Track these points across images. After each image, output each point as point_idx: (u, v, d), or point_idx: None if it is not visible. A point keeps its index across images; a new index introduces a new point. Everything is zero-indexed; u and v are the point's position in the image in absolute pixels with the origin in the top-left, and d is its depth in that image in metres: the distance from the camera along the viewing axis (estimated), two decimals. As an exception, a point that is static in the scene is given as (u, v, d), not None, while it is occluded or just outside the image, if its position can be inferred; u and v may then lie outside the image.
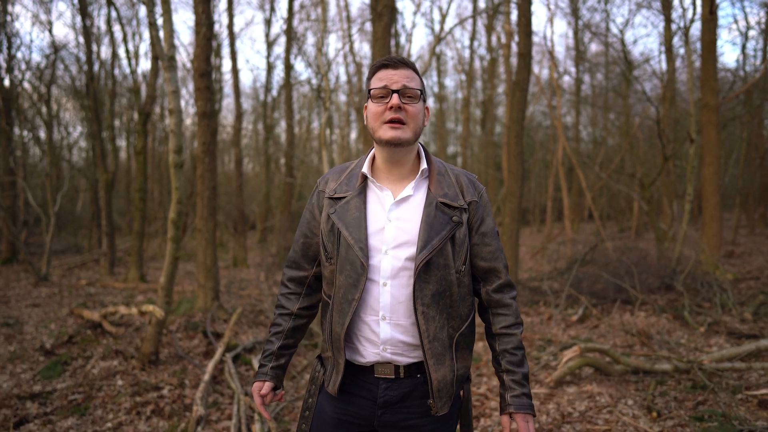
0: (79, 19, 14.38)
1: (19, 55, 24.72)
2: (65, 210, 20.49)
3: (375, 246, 1.41)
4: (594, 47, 27.56)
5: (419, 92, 1.41)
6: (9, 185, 13.11)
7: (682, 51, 13.54)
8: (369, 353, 1.45)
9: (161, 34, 4.06)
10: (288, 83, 13.66)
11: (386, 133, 1.38)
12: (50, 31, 15.80)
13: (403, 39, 16.08)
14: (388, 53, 5.69)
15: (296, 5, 14.25)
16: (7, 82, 13.97)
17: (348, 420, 1.50)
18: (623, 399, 3.87)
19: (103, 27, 18.69)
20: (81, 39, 15.56)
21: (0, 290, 9.82)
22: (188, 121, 21.03)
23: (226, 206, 19.07)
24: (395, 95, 1.37)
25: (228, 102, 37.44)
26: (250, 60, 41.28)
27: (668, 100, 12.90)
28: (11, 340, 6.15)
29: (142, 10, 18.40)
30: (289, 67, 13.46)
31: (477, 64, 22.18)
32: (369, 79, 1.47)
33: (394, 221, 1.42)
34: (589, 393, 4.02)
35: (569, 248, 11.69)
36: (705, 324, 5.68)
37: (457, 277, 1.42)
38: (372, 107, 1.42)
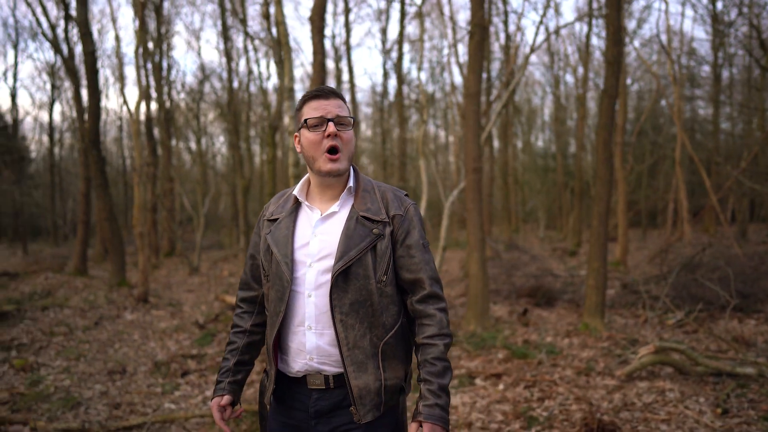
0: (222, 42, 16.62)
1: (176, 77, 28.54)
2: (210, 211, 23.47)
3: (300, 260, 1.52)
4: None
5: (351, 119, 1.54)
6: (169, 190, 15.61)
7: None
8: (298, 363, 1.52)
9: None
10: (399, 92, 14.54)
11: (326, 165, 1.49)
12: (199, 54, 18.36)
13: (518, 38, 16.19)
14: (479, 69, 6.19)
15: (408, 15, 15.07)
16: (168, 103, 16.61)
17: (288, 431, 1.57)
18: (694, 396, 4.01)
19: (241, 46, 21.13)
20: (223, 59, 17.94)
21: (164, 278, 11.93)
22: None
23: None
24: (331, 123, 1.47)
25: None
26: (367, 69, 43.24)
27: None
28: (175, 317, 7.69)
29: (273, 31, 20.55)
30: (400, 77, 14.33)
31: (598, 56, 21.32)
32: (299, 109, 1.57)
33: (319, 235, 1.52)
34: (660, 389, 4.21)
35: (689, 252, 11.08)
36: (817, 333, 5.38)
37: (378, 287, 1.48)
38: (308, 136, 1.51)
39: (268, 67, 19.46)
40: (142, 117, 13.71)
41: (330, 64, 17.56)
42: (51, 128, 23.09)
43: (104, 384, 4.78)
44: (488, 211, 14.48)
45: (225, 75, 16.55)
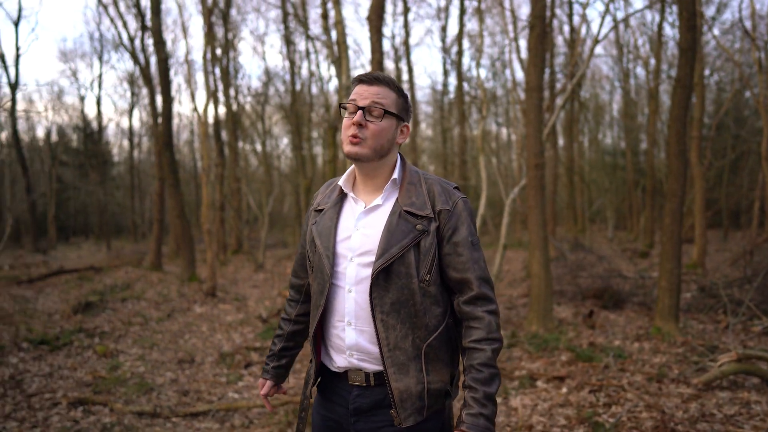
0: (285, 46, 17.13)
1: (242, 82, 29.65)
2: (275, 210, 24.23)
3: (341, 253, 1.47)
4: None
5: (383, 111, 1.43)
6: (236, 190, 16.26)
7: None
8: (339, 359, 1.49)
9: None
10: (460, 89, 14.38)
11: (345, 147, 1.45)
12: (264, 58, 19.00)
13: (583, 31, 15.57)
14: (540, 63, 6.00)
15: (468, 11, 14.86)
16: (234, 106, 17.30)
17: (330, 425, 1.54)
18: (784, 409, 3.69)
19: (303, 49, 21.67)
20: (286, 63, 18.48)
21: (231, 274, 12.44)
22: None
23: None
24: (359, 112, 1.42)
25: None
26: (427, 68, 43.07)
27: None
28: (240, 311, 7.99)
29: (333, 35, 20.92)
30: (460, 75, 14.17)
31: (672, 46, 20.09)
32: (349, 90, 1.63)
33: (361, 229, 1.46)
34: (745, 400, 3.90)
35: (776, 254, 10.20)
36: None
37: (420, 286, 1.40)
38: (343, 119, 1.49)
39: (329, 69, 19.83)
40: (210, 120, 14.36)
41: (390, 64, 17.67)
42: (131, 133, 24.71)
43: (174, 372, 5.03)
44: (552, 210, 14.03)
45: (288, 78, 17.04)
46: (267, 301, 8.73)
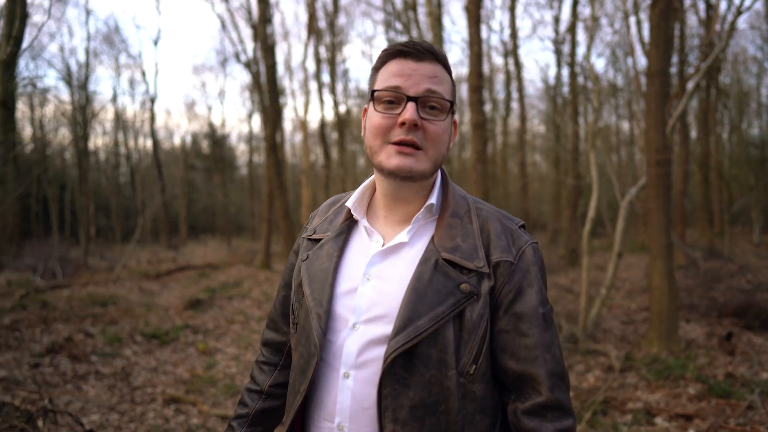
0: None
1: (348, 83, 30.45)
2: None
3: (340, 315, 0.99)
4: None
5: (449, 103, 0.98)
6: (341, 191, 16.62)
7: None
8: None
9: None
10: (573, 82, 13.33)
11: (390, 159, 0.95)
12: (371, 60, 19.28)
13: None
14: (664, 43, 5.17)
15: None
16: (342, 109, 17.70)
17: None
18: None
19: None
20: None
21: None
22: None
23: (513, 207, 19.68)
24: (411, 105, 0.94)
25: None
26: (539, 61, 40.99)
27: None
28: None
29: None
30: (573, 67, 13.13)
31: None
32: (377, 69, 1.01)
33: (374, 280, 0.98)
34: None
35: None
36: None
37: (460, 382, 0.92)
38: (374, 117, 0.97)
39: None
40: (316, 123, 14.76)
41: (498, 59, 16.94)
42: (250, 137, 26.48)
43: (264, 375, 5.06)
44: (681, 211, 12.45)
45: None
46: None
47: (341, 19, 17.06)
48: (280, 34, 26.80)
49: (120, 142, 26.56)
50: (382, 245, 1.02)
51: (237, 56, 13.53)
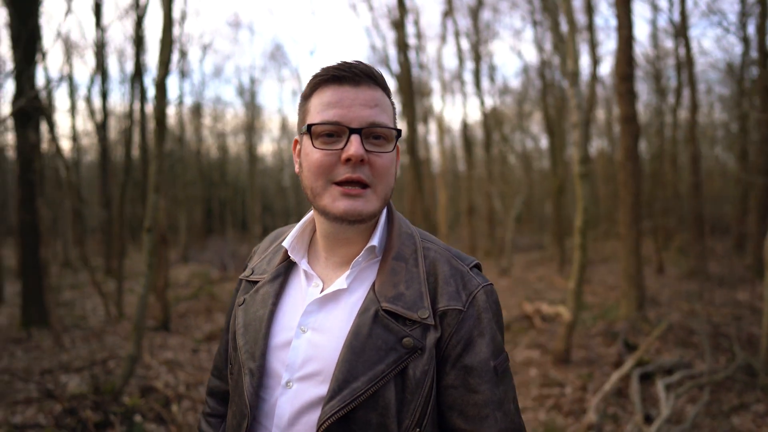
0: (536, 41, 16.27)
1: (496, 80, 29.65)
2: (537, 211, 23.41)
3: (275, 370, 0.89)
4: None
5: (395, 132, 0.88)
6: (486, 193, 16.18)
7: None
8: None
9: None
10: (763, 62, 11.20)
11: (337, 203, 0.85)
12: (520, 55, 18.46)
13: None
14: None
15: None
16: (489, 105, 17.25)
17: None
18: None
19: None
20: (542, 57, 17.59)
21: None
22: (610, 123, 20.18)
23: (682, 209, 17.28)
24: (355, 138, 0.83)
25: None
26: (719, 39, 35.44)
27: None
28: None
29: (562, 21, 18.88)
30: (763, 43, 11.03)
31: None
32: (306, 97, 0.91)
33: (310, 333, 0.88)
34: None
35: None
36: None
37: None
38: (313, 154, 0.87)
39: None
40: (458, 123, 14.58)
41: (668, 42, 14.99)
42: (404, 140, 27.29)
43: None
44: None
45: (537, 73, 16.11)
46: (504, 311, 8.26)
47: (486, 14, 16.62)
48: (425, 35, 27.15)
49: (283, 149, 29.24)
50: (321, 291, 0.91)
51: (383, 61, 13.94)
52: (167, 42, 3.50)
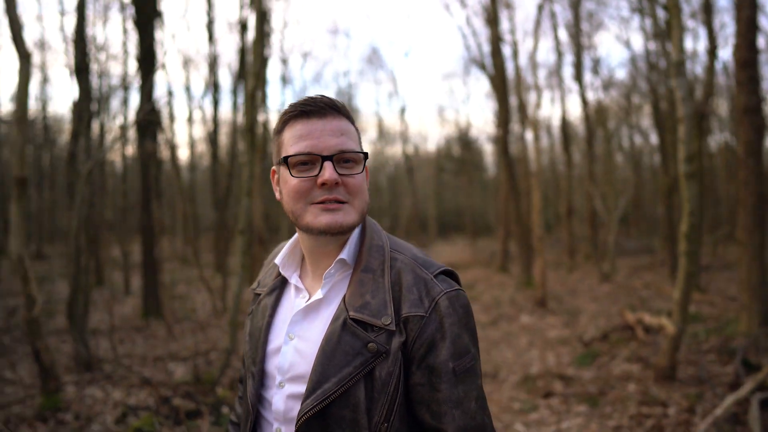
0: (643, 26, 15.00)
1: (600, 73, 27.84)
2: (648, 212, 21.73)
3: (270, 373, 1.04)
4: None
5: (363, 155, 0.99)
6: (587, 194, 15.24)
7: None
8: None
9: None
10: None
11: (319, 218, 0.97)
12: (628, 45, 17.17)
13: None
14: None
15: None
16: (592, 99, 16.23)
17: None
18: None
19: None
20: (650, 46, 16.21)
21: (574, 282, 11.71)
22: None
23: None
24: (328, 164, 0.95)
25: None
26: None
27: None
28: (568, 326, 7.36)
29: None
30: None
31: None
32: (278, 132, 1.03)
33: (296, 340, 1.01)
34: None
35: None
36: None
37: None
38: (291, 181, 0.98)
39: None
40: (557, 120, 13.89)
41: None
42: (495, 140, 26.61)
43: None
44: None
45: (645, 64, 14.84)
46: (603, 319, 7.75)
47: (589, 5, 15.62)
48: (521, 31, 26.24)
49: (380, 151, 29.73)
50: (306, 300, 1.04)
51: (479, 61, 13.67)
52: (258, 54, 3.69)
